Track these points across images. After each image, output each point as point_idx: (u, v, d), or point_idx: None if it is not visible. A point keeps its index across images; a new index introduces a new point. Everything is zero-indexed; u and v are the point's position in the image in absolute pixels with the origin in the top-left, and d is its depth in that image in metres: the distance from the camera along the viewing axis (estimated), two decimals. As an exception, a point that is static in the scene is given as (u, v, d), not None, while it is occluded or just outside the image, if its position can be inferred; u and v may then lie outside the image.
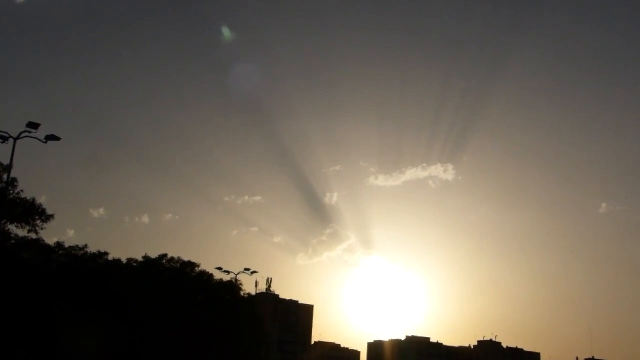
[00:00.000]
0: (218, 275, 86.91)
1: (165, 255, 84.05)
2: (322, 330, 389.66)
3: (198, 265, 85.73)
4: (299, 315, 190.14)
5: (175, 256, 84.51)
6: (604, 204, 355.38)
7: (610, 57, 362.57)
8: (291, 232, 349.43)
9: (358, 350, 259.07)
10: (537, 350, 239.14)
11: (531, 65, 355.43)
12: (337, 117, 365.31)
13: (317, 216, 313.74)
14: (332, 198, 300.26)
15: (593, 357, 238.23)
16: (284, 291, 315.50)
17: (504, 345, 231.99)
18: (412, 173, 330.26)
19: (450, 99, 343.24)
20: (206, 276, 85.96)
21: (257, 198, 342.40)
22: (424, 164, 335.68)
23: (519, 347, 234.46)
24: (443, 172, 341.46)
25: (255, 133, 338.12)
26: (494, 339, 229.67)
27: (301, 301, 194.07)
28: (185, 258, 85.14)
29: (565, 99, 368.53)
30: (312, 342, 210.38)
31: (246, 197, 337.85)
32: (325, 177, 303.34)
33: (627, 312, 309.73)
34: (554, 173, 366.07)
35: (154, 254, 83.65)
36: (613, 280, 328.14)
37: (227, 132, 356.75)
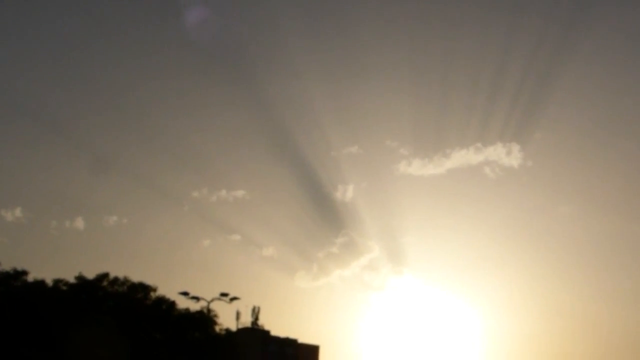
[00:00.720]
0: (183, 303, 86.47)
1: (107, 275, 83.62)
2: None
3: (154, 290, 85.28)
4: (300, 359, 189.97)
5: (122, 276, 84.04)
6: None
7: None
8: (288, 241, 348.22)
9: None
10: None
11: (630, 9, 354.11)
12: (355, 78, 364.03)
13: (325, 219, 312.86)
14: (347, 193, 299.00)
15: None
16: (278, 326, 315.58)
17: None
18: (462, 157, 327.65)
19: (515, 55, 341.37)
20: (166, 305, 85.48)
21: (240, 193, 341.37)
22: (479, 144, 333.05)
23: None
24: (506, 155, 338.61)
25: (235, 101, 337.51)
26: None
27: (302, 340, 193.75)
28: (136, 279, 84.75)
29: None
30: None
31: (224, 191, 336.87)
32: (336, 163, 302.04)
33: None
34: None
35: (91, 273, 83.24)
36: None
37: (196, 101, 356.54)
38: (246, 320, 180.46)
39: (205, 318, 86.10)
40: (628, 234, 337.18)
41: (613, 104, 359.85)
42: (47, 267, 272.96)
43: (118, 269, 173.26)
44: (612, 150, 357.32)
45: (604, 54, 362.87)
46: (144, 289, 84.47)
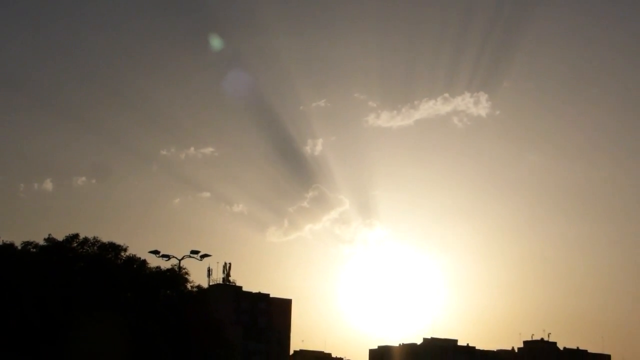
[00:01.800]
0: (154, 262, 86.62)
1: (77, 236, 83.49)
2: (304, 335, 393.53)
3: (125, 249, 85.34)
4: (272, 314, 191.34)
5: (92, 237, 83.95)
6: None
7: None
8: (258, 197, 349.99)
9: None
10: (606, 352, 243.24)
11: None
12: (323, 32, 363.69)
13: (295, 174, 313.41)
14: (316, 147, 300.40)
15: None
16: (250, 281, 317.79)
17: (561, 346, 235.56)
18: (430, 108, 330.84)
19: (482, 5, 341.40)
20: (137, 264, 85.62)
21: (209, 150, 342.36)
22: (446, 95, 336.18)
23: (581, 348, 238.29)
24: (474, 105, 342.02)
25: (203, 59, 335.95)
26: (546, 339, 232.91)
27: (274, 295, 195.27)
28: (106, 239, 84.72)
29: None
30: (292, 352, 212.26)
31: (192, 149, 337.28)
32: (305, 117, 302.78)
33: None
34: (632, 107, 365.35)
35: (60, 235, 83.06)
36: None
37: (163, 60, 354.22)
38: (218, 277, 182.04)
39: (176, 276, 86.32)
40: (595, 180, 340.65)
41: (580, 53, 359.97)
42: (16, 230, 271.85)
43: (88, 230, 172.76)
44: (579, 98, 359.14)
45: (571, 3, 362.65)
46: (114, 249, 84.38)
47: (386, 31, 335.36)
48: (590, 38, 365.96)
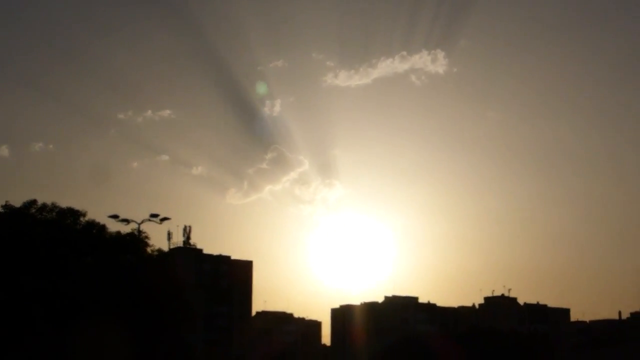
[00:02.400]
0: (114, 226, 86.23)
1: (35, 202, 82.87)
2: (266, 296, 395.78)
3: (84, 215, 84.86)
4: (233, 276, 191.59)
5: (50, 202, 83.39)
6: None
7: None
8: (217, 159, 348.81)
9: (318, 320, 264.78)
10: (565, 307, 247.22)
11: None
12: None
13: (253, 135, 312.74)
14: (274, 107, 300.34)
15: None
16: (210, 244, 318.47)
17: (521, 301, 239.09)
18: (387, 66, 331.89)
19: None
20: (96, 229, 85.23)
21: (166, 113, 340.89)
22: (404, 53, 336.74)
23: (541, 302, 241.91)
24: (431, 62, 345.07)
25: (158, 20, 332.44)
26: (506, 294, 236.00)
27: (235, 257, 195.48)
28: (65, 204, 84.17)
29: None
30: (254, 313, 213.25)
31: (149, 112, 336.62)
32: (263, 78, 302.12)
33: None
34: (590, 64, 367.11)
35: (18, 201, 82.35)
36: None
37: (117, 21, 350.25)
38: (178, 241, 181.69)
39: (136, 240, 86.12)
40: (554, 137, 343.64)
41: (537, 10, 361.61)
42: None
43: (46, 196, 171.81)
44: (536, 54, 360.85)
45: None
46: (73, 214, 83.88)
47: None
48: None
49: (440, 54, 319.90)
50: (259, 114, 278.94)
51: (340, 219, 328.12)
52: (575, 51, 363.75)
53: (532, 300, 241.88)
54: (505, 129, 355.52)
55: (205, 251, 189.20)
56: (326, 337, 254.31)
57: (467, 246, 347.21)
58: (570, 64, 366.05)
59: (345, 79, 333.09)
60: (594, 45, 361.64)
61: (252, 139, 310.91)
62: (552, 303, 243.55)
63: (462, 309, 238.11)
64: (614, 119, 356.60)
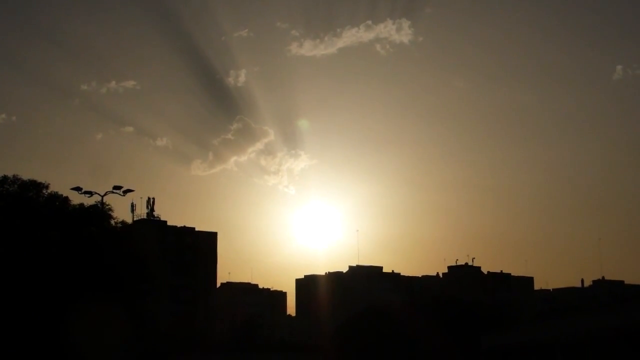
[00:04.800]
0: (77, 198, 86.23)
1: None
2: (231, 268, 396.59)
3: (47, 187, 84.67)
4: (198, 248, 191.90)
5: (11, 175, 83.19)
6: (619, 67, 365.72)
7: None
8: (182, 130, 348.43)
9: (283, 290, 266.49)
10: (529, 275, 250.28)
11: None
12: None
13: (218, 105, 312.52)
14: (239, 78, 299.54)
15: (603, 277, 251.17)
16: (175, 216, 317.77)
17: (485, 270, 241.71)
18: (352, 35, 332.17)
19: None
20: (59, 201, 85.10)
21: (130, 84, 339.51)
22: (369, 22, 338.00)
23: (504, 271, 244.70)
24: (396, 31, 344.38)
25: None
26: (470, 263, 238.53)
27: (200, 228, 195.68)
28: (27, 177, 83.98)
29: None
30: (218, 285, 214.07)
31: (113, 83, 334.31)
32: (227, 48, 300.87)
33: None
34: (555, 29, 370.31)
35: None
36: (633, 172, 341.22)
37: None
38: (142, 213, 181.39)
39: (99, 212, 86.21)
40: (520, 104, 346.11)
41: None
42: None
43: (8, 168, 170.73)
44: (500, 21, 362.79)
45: None
46: (35, 187, 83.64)
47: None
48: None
49: (406, 23, 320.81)
50: (224, 84, 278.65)
51: (306, 189, 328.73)
52: (539, 17, 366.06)
53: (496, 269, 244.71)
54: (470, 97, 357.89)
55: (170, 223, 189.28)
56: (291, 308, 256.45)
57: (432, 215, 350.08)
58: (535, 32, 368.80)
59: (311, 49, 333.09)
60: (557, 11, 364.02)
61: (217, 110, 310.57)
62: (515, 272, 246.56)
63: (426, 278, 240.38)
64: (579, 85, 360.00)
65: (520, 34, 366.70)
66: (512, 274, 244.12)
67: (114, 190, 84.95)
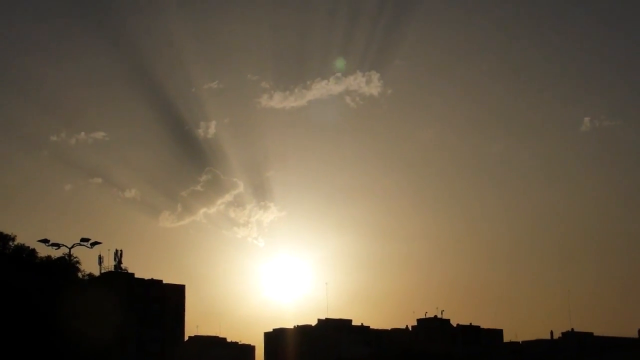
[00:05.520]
0: (44, 251, 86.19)
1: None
2: (199, 320, 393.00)
3: (13, 239, 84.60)
4: (166, 300, 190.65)
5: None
6: (586, 119, 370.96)
7: None
8: (150, 182, 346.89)
9: (252, 344, 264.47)
10: (498, 327, 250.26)
11: None
12: (214, 11, 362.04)
13: (187, 157, 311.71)
14: (209, 129, 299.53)
15: (573, 329, 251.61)
16: (142, 268, 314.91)
17: (454, 322, 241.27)
18: (322, 88, 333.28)
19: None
20: (26, 253, 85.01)
21: (100, 135, 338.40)
22: (339, 74, 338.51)
23: (474, 323, 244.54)
24: (365, 84, 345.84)
25: (92, 39, 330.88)
26: (439, 316, 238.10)
27: (168, 280, 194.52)
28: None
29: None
30: (186, 338, 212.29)
31: (82, 134, 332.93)
32: (197, 99, 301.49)
33: (623, 267, 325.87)
34: (522, 82, 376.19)
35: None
36: (602, 223, 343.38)
37: (50, 39, 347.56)
38: (109, 265, 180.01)
39: (67, 264, 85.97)
40: (487, 154, 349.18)
41: (477, 30, 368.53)
42: None
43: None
44: (467, 73, 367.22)
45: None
46: (2, 238, 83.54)
47: (277, 12, 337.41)
48: (474, 12, 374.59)
49: (375, 76, 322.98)
50: (193, 136, 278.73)
51: (275, 241, 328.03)
52: (507, 70, 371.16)
53: (465, 321, 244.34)
54: (439, 148, 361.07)
55: (138, 275, 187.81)
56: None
57: (401, 267, 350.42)
58: (503, 83, 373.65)
59: (280, 100, 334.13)
60: (526, 64, 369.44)
61: (186, 161, 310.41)
62: (485, 324, 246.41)
63: (395, 331, 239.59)
64: (548, 136, 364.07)
65: (489, 86, 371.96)
66: (481, 326, 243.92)
67: (82, 243, 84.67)
